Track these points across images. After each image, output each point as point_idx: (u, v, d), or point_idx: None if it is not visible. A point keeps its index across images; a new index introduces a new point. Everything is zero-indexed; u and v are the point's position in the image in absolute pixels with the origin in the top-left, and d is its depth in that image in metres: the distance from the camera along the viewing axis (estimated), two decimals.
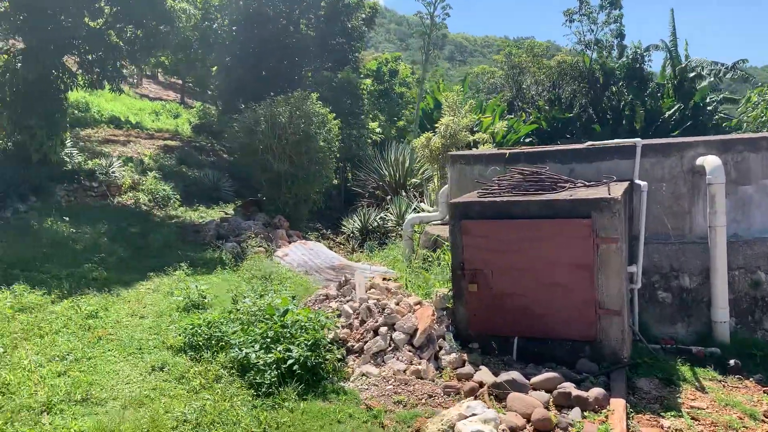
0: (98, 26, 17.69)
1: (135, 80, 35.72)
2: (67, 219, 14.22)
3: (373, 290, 9.33)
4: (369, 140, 25.10)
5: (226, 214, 17.79)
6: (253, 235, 14.10)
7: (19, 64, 16.60)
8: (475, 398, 7.01)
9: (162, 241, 13.91)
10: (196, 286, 9.96)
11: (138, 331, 8.78)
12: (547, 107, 30.26)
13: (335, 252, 15.39)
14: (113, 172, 18.20)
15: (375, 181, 21.33)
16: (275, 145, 16.49)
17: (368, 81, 28.27)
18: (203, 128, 28.11)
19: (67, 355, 7.80)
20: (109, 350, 8.10)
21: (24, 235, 12.90)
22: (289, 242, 15.08)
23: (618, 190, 8.26)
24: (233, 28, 25.17)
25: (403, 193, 19.41)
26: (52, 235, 13.25)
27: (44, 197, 15.74)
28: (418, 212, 16.62)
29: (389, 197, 19.78)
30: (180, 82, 38.42)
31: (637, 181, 9.20)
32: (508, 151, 10.37)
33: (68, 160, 17.91)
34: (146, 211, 17.00)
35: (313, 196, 17.94)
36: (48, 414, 6.41)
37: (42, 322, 8.69)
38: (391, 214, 18.11)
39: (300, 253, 13.56)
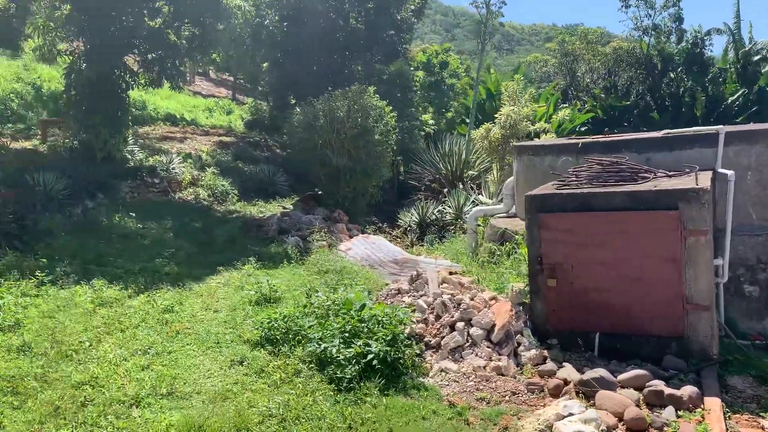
0: (157, 26, 17.99)
1: (188, 77, 36.31)
2: (133, 215, 14.53)
3: (445, 285, 9.19)
4: (422, 132, 24.86)
5: (285, 208, 17.91)
6: (317, 230, 14.12)
7: (84, 65, 17.04)
8: (561, 396, 6.84)
9: (226, 235, 14.06)
10: (267, 280, 10.01)
11: (214, 325, 8.87)
12: (602, 95, 29.38)
13: (394, 245, 15.29)
14: (173, 169, 18.52)
15: (431, 174, 21.09)
16: (334, 140, 16.49)
17: (420, 73, 27.98)
18: (256, 124, 28.40)
19: (149, 349, 7.93)
20: (187, 344, 8.20)
21: (95, 231, 13.23)
22: (350, 236, 15.07)
23: (705, 179, 7.92)
24: (284, 23, 25.25)
25: (461, 186, 19.11)
26: (121, 231, 13.58)
27: (110, 194, 16.12)
28: (477, 205, 16.34)
29: (446, 190, 19.54)
30: (231, 78, 38.93)
31: (722, 170, 8.79)
32: (581, 141, 10.05)
33: (130, 157, 18.33)
34: (206, 206, 17.26)
35: (371, 190, 17.90)
36: (137, 407, 6.52)
37: (121, 317, 8.87)
38: (449, 207, 17.87)
39: (363, 247, 13.53)
